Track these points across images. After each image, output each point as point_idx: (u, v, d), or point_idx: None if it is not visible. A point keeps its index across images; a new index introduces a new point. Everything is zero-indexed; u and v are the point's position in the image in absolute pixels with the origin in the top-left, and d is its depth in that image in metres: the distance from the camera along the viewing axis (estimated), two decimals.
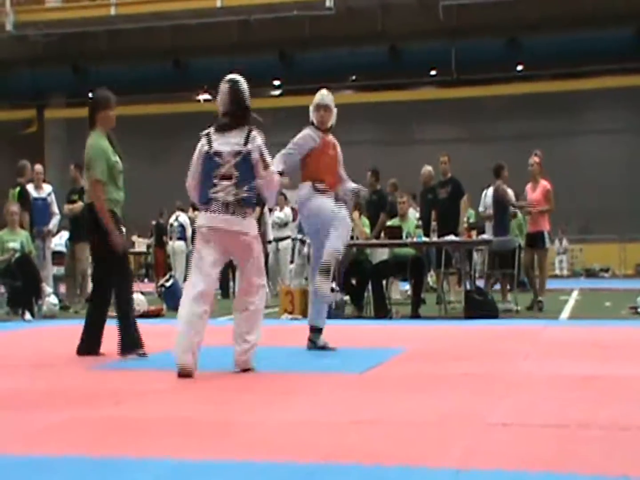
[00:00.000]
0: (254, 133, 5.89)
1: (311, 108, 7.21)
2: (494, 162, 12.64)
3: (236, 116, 5.91)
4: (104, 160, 6.71)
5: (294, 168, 7.16)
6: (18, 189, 12.26)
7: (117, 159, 6.87)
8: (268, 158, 5.93)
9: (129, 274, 7.17)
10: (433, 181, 13.35)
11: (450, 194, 12.44)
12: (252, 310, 5.87)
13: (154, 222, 19.18)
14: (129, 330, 6.68)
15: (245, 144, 5.82)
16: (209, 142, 5.89)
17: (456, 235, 11.57)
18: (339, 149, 7.30)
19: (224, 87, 5.96)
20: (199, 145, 5.97)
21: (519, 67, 27.46)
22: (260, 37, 26.66)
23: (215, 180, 5.79)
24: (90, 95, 7.15)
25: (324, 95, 7.17)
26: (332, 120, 7.21)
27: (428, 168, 13.55)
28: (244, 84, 5.99)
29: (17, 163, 12.75)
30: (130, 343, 6.68)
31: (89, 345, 6.87)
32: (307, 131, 7.17)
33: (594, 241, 26.94)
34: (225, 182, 5.77)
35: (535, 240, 11.82)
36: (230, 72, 6.18)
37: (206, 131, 5.99)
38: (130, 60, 27.72)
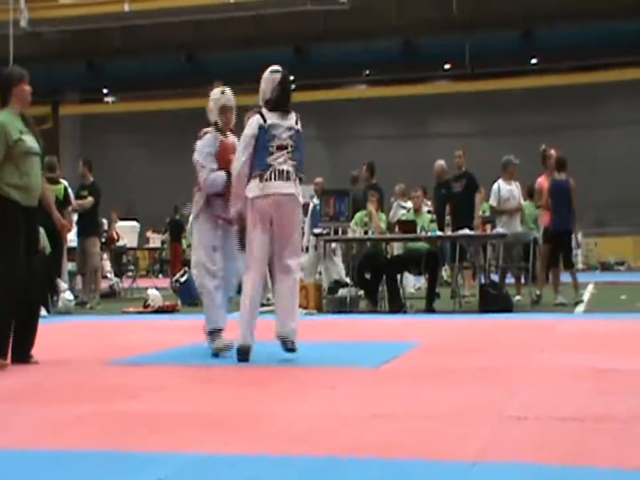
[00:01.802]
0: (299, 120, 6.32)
1: (214, 108, 6.64)
2: (508, 156, 12.48)
3: (287, 101, 6.23)
4: (1, 137, 6.07)
5: None
6: (62, 186, 11.99)
7: (26, 138, 6.15)
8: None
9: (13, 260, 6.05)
10: (447, 175, 13.32)
11: (465, 187, 12.42)
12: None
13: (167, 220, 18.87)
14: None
15: (296, 123, 6.23)
16: (263, 118, 6.14)
17: (470, 229, 11.55)
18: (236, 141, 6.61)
19: (274, 76, 6.22)
20: (251, 121, 6.17)
21: (534, 60, 27.37)
22: (275, 32, 26.67)
23: (271, 149, 6.09)
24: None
25: (229, 95, 6.65)
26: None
27: (440, 162, 13.51)
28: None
29: None
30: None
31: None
32: (208, 135, 6.64)
33: (609, 234, 26.81)
34: (282, 152, 6.10)
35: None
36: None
37: (257, 110, 6.24)
38: (144, 56, 27.80)
